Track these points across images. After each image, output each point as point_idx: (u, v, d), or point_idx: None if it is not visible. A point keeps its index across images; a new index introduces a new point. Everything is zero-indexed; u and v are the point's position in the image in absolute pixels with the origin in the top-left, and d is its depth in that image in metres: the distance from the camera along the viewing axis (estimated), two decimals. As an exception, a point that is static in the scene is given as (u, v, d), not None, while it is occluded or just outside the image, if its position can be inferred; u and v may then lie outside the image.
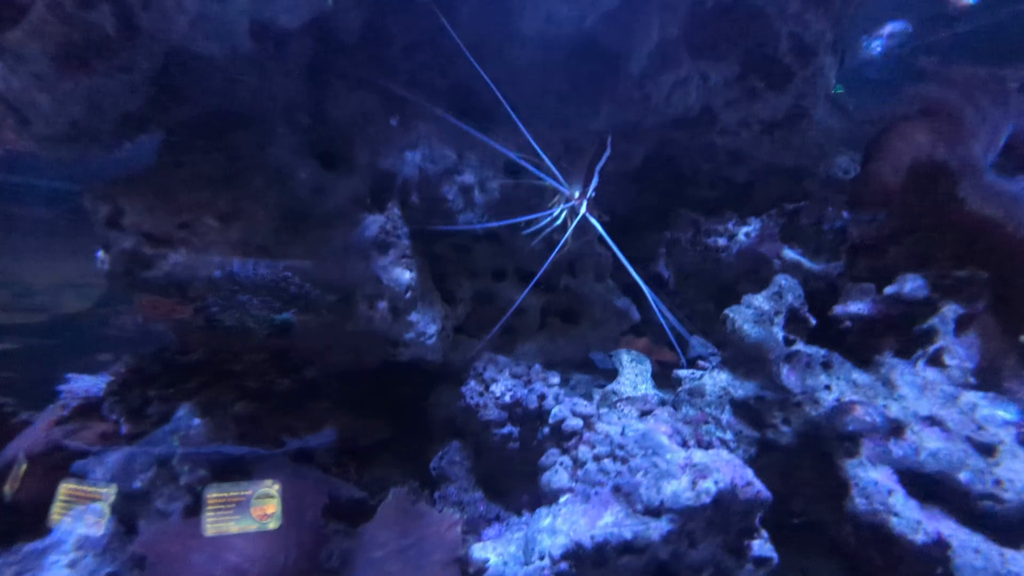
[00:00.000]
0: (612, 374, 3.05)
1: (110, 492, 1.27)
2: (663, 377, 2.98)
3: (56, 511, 1.30)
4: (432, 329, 1.48)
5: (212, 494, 1.23)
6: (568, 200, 1.55)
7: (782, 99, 2.45)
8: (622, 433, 1.38)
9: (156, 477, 1.26)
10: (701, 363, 2.56)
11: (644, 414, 1.74)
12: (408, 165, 1.40)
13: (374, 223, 1.41)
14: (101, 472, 1.29)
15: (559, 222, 1.56)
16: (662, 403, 2.45)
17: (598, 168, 1.66)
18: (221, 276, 1.26)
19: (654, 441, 1.35)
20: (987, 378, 1.75)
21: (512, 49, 1.98)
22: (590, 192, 1.57)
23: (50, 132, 1.13)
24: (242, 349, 1.54)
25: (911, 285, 1.88)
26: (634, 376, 2.87)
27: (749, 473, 1.29)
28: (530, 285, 1.49)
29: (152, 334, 1.94)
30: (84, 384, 2.06)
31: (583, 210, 1.53)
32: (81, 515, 1.32)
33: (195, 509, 1.22)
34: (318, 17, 1.22)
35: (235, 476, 1.26)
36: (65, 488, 1.43)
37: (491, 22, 1.84)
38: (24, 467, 1.66)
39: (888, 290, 1.93)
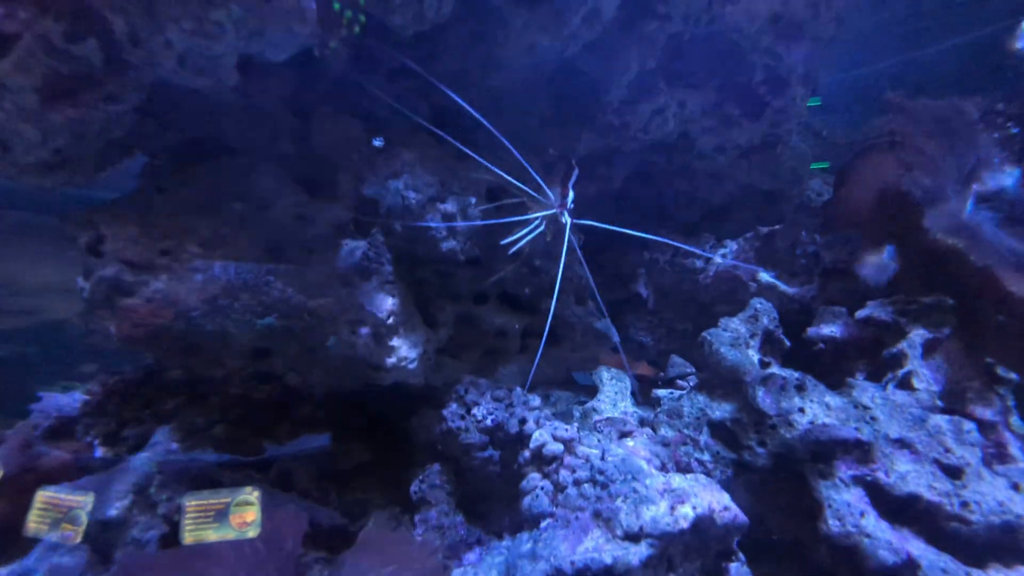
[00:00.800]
0: (592, 391, 3.08)
1: (84, 518, 1.25)
2: (642, 394, 3.01)
3: (31, 531, 1.28)
4: (414, 354, 1.50)
5: (191, 502, 1.22)
6: (549, 208, 1.59)
7: (757, 126, 2.53)
8: (602, 457, 1.40)
9: (132, 505, 1.24)
10: (679, 383, 2.60)
11: (624, 435, 1.77)
12: (391, 194, 1.42)
13: (357, 250, 1.42)
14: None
15: (540, 229, 1.60)
16: (641, 423, 2.48)
17: (571, 184, 1.72)
18: (203, 280, 1.25)
19: (634, 466, 1.38)
20: (952, 401, 1.81)
21: (495, 77, 2.02)
22: (569, 203, 1.63)
23: (31, 160, 1.13)
24: (221, 369, 1.53)
25: (880, 310, 1.94)
26: (613, 394, 2.90)
27: (726, 498, 1.31)
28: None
29: (132, 345, 1.92)
30: (56, 403, 2.01)
31: (567, 218, 1.58)
32: (54, 542, 1.29)
33: (172, 539, 1.20)
34: (303, 49, 1.25)
35: (214, 505, 1.25)
36: (38, 512, 1.40)
37: (475, 51, 1.89)
38: None
39: (859, 314, 1.99)
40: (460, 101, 1.36)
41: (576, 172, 1.86)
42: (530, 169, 1.57)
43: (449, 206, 1.50)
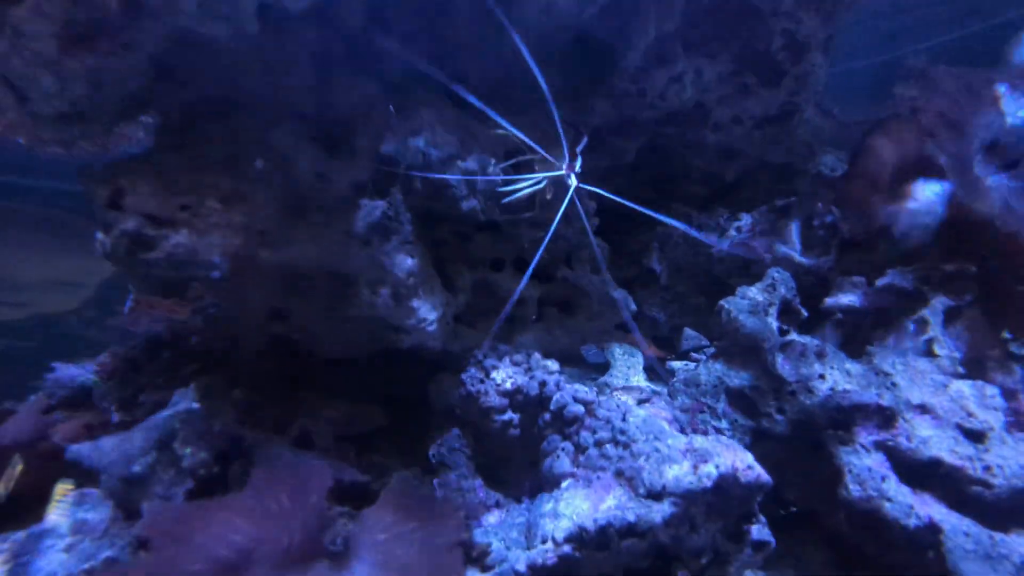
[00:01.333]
0: (603, 368, 3.07)
1: (108, 476, 1.25)
2: (655, 371, 3.00)
3: (54, 497, 1.28)
4: (433, 316, 1.48)
5: None
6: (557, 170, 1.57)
7: (774, 95, 2.49)
8: (623, 418, 1.39)
9: (156, 462, 1.24)
10: (694, 355, 2.59)
11: (642, 403, 1.76)
12: (412, 151, 1.40)
13: (376, 209, 1.40)
14: (97, 457, 1.27)
15: (540, 185, 1.58)
16: (656, 394, 2.48)
17: (579, 149, 1.68)
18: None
19: (655, 426, 1.37)
20: (973, 369, 1.79)
21: (510, 42, 1.99)
22: (576, 167, 1.59)
23: (50, 111, 1.11)
24: (239, 331, 1.52)
25: (900, 279, 1.92)
26: (626, 369, 2.90)
27: (749, 457, 1.31)
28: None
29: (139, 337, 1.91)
30: (70, 373, 2.02)
31: (573, 180, 1.55)
32: (78, 500, 1.30)
33: (197, 493, 1.21)
34: (320, 2, 1.22)
35: (238, 460, 1.25)
36: (59, 475, 1.41)
37: (491, 14, 1.85)
38: (20, 467, 1.63)
39: (879, 282, 1.97)
40: (468, 95, 1.32)
41: (585, 139, 1.83)
42: (558, 125, 1.55)
43: (470, 163, 1.48)
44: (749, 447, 1.75)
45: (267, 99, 1.41)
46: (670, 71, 2.24)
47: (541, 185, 1.56)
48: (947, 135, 2.04)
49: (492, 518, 1.52)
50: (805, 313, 2.08)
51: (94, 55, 1.05)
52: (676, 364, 2.18)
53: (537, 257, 1.50)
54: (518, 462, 1.58)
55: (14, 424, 1.94)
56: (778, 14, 2.24)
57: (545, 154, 1.53)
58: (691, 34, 2.29)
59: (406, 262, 1.41)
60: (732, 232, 2.66)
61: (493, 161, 1.55)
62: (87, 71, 1.08)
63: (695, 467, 1.27)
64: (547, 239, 1.49)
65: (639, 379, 2.80)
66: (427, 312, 1.46)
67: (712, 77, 2.39)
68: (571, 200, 1.58)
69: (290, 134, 1.38)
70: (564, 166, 1.59)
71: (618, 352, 3.01)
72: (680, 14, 2.15)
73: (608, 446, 1.36)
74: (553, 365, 1.59)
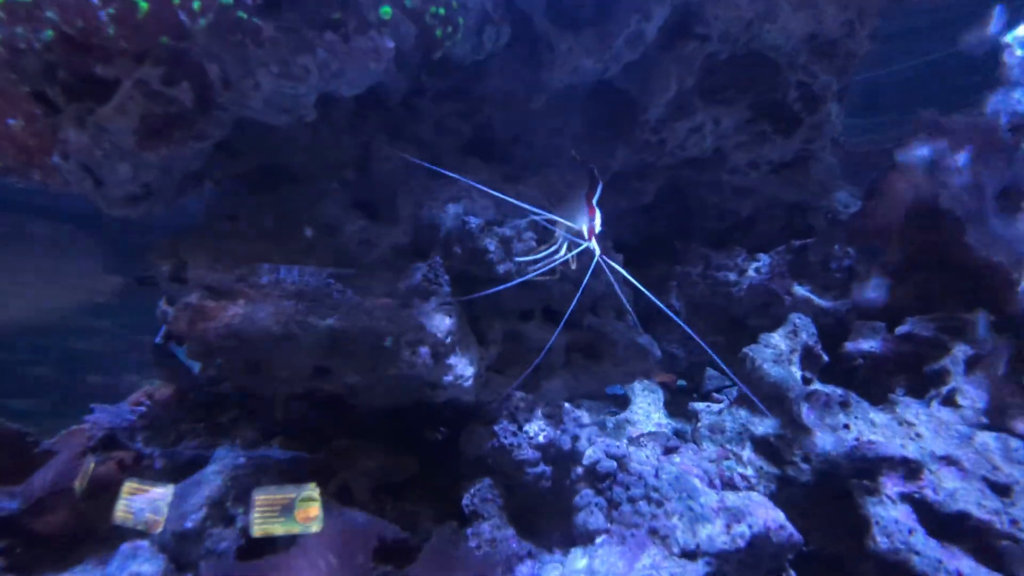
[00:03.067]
0: (622, 400, 3.11)
1: (165, 509, 1.32)
2: (674, 404, 3.04)
3: (117, 519, 1.35)
4: (470, 371, 1.54)
5: (259, 496, 1.29)
6: (576, 239, 1.47)
7: (790, 143, 2.56)
8: (656, 475, 1.44)
9: (207, 517, 1.30)
10: (716, 396, 2.63)
11: (669, 451, 1.80)
12: (451, 218, 1.48)
13: (417, 271, 1.47)
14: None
15: (566, 257, 1.51)
16: (678, 435, 2.51)
17: (595, 201, 1.55)
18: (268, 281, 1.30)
19: (688, 484, 1.41)
20: (996, 417, 1.82)
21: (537, 98, 2.08)
22: (599, 227, 1.46)
23: (122, 195, 1.19)
24: (282, 386, 1.59)
25: (921, 326, 1.96)
26: (647, 405, 2.94)
27: (781, 516, 1.35)
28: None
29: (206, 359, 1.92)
30: (108, 415, 2.09)
31: (597, 249, 1.44)
32: (131, 553, 1.35)
33: (249, 552, 1.26)
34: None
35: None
36: (124, 502, 1.47)
37: (521, 74, 1.94)
38: (92, 466, 1.69)
39: (899, 330, 2.01)
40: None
41: (600, 186, 1.71)
42: (555, 217, 1.50)
43: (506, 230, 1.55)
44: (775, 494, 1.79)
45: (314, 170, 1.50)
46: (690, 122, 2.33)
47: (567, 258, 1.52)
48: (963, 186, 2.09)
49: (524, 568, 1.56)
50: (826, 358, 2.13)
51: (169, 146, 1.13)
52: (699, 406, 2.22)
53: (569, 310, 1.52)
54: (549, 512, 1.62)
55: (55, 466, 2.01)
56: (794, 67, 2.32)
57: (569, 223, 1.50)
58: (709, 81, 2.37)
59: (444, 322, 1.47)
60: (751, 272, 2.71)
61: (523, 223, 1.62)
62: (161, 159, 1.16)
63: (728, 526, 1.31)
64: (577, 296, 1.52)
65: (659, 415, 2.84)
66: (463, 368, 1.52)
67: (729, 125, 2.47)
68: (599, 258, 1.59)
69: (336, 203, 1.46)
70: (586, 235, 1.46)
71: (638, 387, 3.05)
72: (700, 69, 2.23)
73: (641, 503, 1.40)
74: (585, 418, 1.64)
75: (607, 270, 1.51)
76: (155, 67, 1.03)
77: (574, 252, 1.48)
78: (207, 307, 1.22)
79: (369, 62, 1.14)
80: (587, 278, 1.50)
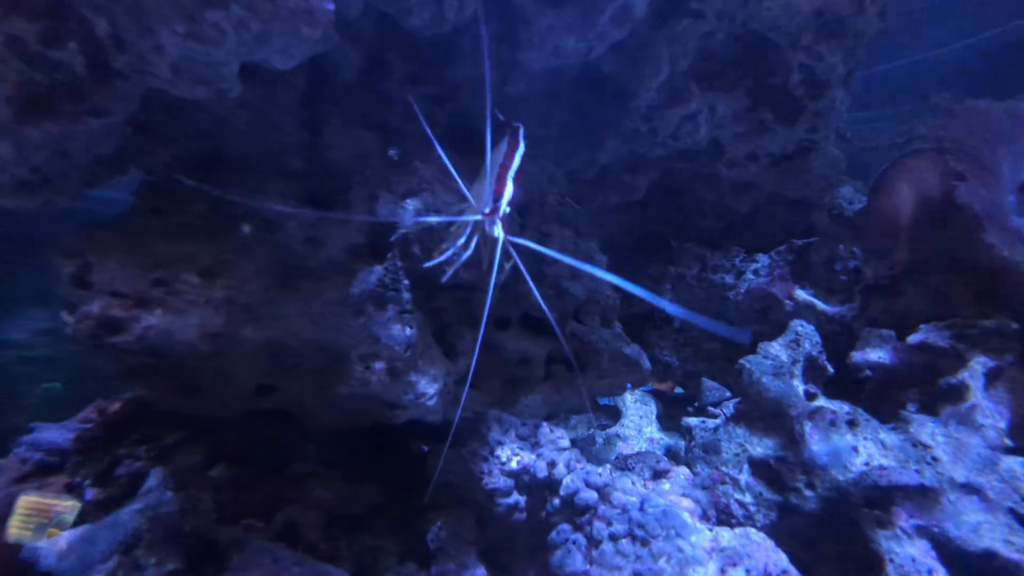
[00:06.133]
0: (613, 412, 2.93)
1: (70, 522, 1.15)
2: (667, 417, 2.86)
3: (13, 536, 1.17)
4: (433, 389, 1.36)
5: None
6: (476, 216, 1.07)
7: (792, 133, 2.38)
8: (640, 508, 1.26)
9: (118, 567, 1.11)
10: (711, 410, 2.45)
11: (658, 475, 1.62)
12: (410, 214, 1.29)
13: (372, 275, 1.29)
14: (55, 559, 1.14)
15: (469, 251, 1.09)
16: (671, 453, 2.33)
17: (511, 173, 1.14)
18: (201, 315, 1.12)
19: (677, 519, 1.23)
20: (1017, 437, 1.65)
21: (517, 82, 1.89)
22: (503, 207, 1.06)
23: (6, 179, 1.00)
24: (222, 407, 1.40)
25: (936, 335, 1.78)
26: (638, 418, 2.76)
27: (784, 559, 1.17)
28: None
29: (123, 383, 1.77)
30: (49, 436, 1.90)
31: (499, 233, 1.04)
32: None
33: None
34: (315, 55, 1.11)
35: (210, 566, 1.12)
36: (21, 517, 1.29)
37: (496, 55, 1.75)
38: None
39: (912, 339, 1.84)
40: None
41: (523, 147, 1.27)
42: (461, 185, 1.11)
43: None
44: (776, 523, 1.61)
45: (253, 157, 1.31)
46: (684, 109, 2.13)
47: (471, 247, 1.10)
48: (981, 179, 1.91)
49: (496, 610, 1.39)
50: (831, 370, 1.95)
51: (57, 121, 0.94)
52: (693, 421, 2.04)
53: (485, 315, 1.04)
54: (524, 548, 1.45)
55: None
56: (796, 48, 2.14)
57: (467, 194, 1.11)
58: (704, 65, 2.18)
59: (404, 333, 1.29)
60: (749, 275, 2.54)
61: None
62: (50, 138, 0.97)
63: (723, 571, 1.13)
64: (488, 301, 1.04)
65: (651, 429, 2.67)
66: (426, 386, 1.34)
67: (727, 113, 2.28)
68: (503, 241, 1.06)
69: (278, 195, 1.27)
70: (484, 211, 1.06)
71: (629, 399, 2.87)
72: (694, 50, 2.04)
73: (624, 541, 1.22)
74: (563, 440, 1.46)
75: (516, 257, 1.03)
76: (30, 21, 0.84)
77: (467, 235, 1.08)
78: (113, 317, 1.03)
79: (301, 25, 0.95)
80: (495, 272, 1.04)
